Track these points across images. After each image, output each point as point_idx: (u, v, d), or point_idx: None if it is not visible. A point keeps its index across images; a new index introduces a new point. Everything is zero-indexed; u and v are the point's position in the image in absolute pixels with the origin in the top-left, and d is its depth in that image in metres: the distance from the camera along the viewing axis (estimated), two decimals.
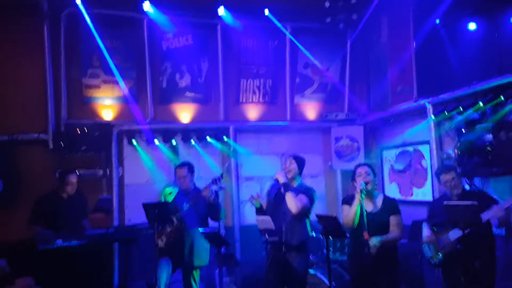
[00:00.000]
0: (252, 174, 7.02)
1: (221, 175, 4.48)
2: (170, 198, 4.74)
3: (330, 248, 5.33)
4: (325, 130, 7.27)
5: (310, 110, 7.36)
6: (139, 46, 6.41)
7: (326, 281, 4.84)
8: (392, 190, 6.21)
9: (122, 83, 6.23)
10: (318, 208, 6.47)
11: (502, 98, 4.37)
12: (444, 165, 4.42)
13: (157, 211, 4.33)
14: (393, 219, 3.77)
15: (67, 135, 6.03)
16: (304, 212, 4.02)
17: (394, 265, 3.81)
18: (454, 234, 3.69)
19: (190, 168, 4.74)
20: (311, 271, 4.89)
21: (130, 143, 6.38)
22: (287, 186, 4.02)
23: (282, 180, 4.06)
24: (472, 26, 5.05)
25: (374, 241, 3.62)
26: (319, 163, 7.33)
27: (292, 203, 3.93)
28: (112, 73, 6.19)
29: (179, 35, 6.51)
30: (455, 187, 3.85)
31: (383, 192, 6.24)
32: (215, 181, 4.44)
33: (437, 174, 4.05)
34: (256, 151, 7.02)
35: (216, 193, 4.63)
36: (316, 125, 7.31)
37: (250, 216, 4.35)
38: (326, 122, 7.19)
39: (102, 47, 6.05)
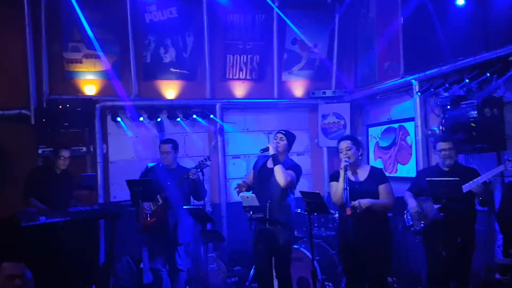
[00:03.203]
0: (239, 152, 7.00)
1: (208, 157, 4.46)
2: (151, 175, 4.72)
3: (315, 224, 5.42)
4: (313, 107, 7.23)
5: (298, 87, 7.30)
6: (122, 19, 6.23)
7: (310, 255, 4.91)
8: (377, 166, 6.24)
9: (103, 58, 6.08)
10: (304, 185, 6.56)
11: (488, 74, 4.35)
12: (443, 134, 4.45)
13: (141, 188, 4.31)
14: (381, 188, 3.75)
15: (49, 111, 5.90)
16: (290, 187, 4.03)
17: (385, 236, 3.77)
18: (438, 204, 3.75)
19: (175, 145, 4.77)
20: (296, 246, 4.95)
21: (114, 119, 6.26)
22: (276, 159, 4.02)
23: (272, 151, 4.05)
24: (460, 1, 4.99)
25: (362, 201, 3.60)
26: (306, 140, 7.32)
27: (281, 176, 3.95)
28: (94, 47, 6.02)
29: (163, 8, 6.33)
30: (449, 157, 3.91)
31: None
32: (201, 164, 4.41)
33: (434, 141, 4.08)
34: (243, 128, 6.98)
35: (202, 173, 4.64)
36: (303, 102, 7.26)
37: (236, 194, 4.35)
38: (313, 99, 7.14)
39: (83, 20, 5.87)
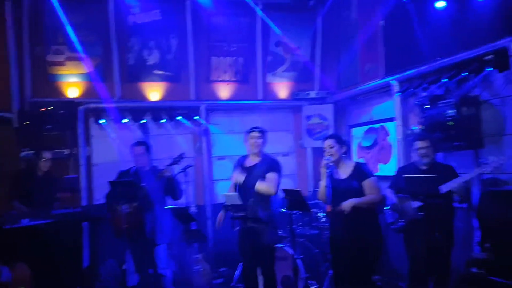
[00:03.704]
0: (224, 153, 7.01)
1: (182, 154, 4.44)
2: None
3: (299, 223, 5.47)
4: (297, 108, 7.30)
5: (282, 88, 7.36)
6: (105, 21, 6.23)
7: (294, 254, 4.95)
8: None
9: (86, 60, 6.07)
10: (289, 186, 6.58)
11: (465, 74, 4.45)
12: (421, 132, 4.52)
13: (123, 189, 4.31)
14: (365, 184, 3.76)
15: (32, 114, 5.88)
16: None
17: (371, 232, 3.77)
18: (417, 202, 3.82)
19: (148, 147, 4.76)
20: (280, 245, 4.99)
21: (97, 122, 6.26)
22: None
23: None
24: (440, 4, 5.08)
25: (345, 204, 3.63)
26: (290, 141, 7.37)
27: (265, 189, 3.99)
28: (77, 49, 6.02)
29: (146, 10, 6.35)
30: (426, 155, 3.98)
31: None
32: (175, 160, 4.39)
33: (413, 140, 4.17)
34: (228, 130, 7.00)
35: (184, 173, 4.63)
36: (287, 104, 7.32)
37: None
38: (297, 101, 7.21)
39: (66, 22, 5.86)
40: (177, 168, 4.62)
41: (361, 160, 6.48)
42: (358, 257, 3.67)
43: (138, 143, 4.80)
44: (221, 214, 4.33)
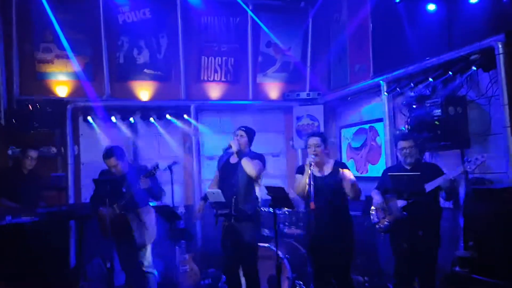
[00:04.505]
0: (213, 153, 6.96)
1: (156, 165, 4.23)
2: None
3: (286, 223, 5.44)
4: (287, 109, 7.30)
5: (273, 89, 7.36)
6: (94, 20, 6.22)
7: (280, 253, 4.92)
8: (349, 167, 6.28)
9: (74, 59, 6.06)
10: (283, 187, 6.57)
11: (451, 73, 4.46)
12: (403, 133, 4.52)
13: (108, 187, 4.24)
14: (345, 171, 3.91)
15: (20, 112, 5.84)
16: (260, 176, 4.05)
17: (347, 233, 3.90)
18: (402, 201, 3.81)
19: (118, 154, 4.42)
20: (267, 244, 4.96)
21: (86, 120, 6.22)
22: (241, 153, 4.05)
23: (235, 148, 4.08)
24: (431, 7, 5.09)
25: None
26: (281, 142, 7.36)
27: (251, 167, 3.98)
28: (66, 47, 6.00)
29: (136, 9, 6.35)
30: (409, 156, 3.97)
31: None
32: (151, 173, 4.20)
33: (396, 140, 4.19)
34: (217, 130, 6.97)
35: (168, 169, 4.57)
36: (278, 104, 7.32)
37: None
38: (288, 101, 7.21)
39: (54, 20, 5.84)
40: (162, 166, 4.56)
41: (351, 161, 6.48)
42: (338, 253, 3.75)
43: (107, 155, 4.37)
44: (201, 204, 4.37)
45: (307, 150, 3.97)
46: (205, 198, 4.29)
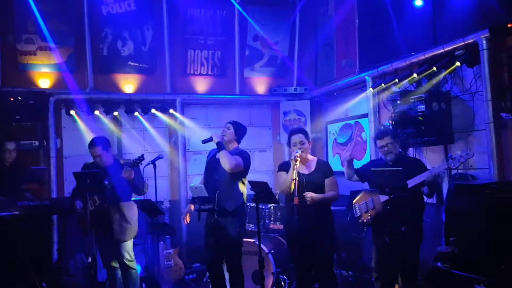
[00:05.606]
0: (200, 148, 6.90)
1: (142, 156, 4.26)
2: None
3: (271, 218, 5.43)
4: (274, 104, 7.26)
5: (260, 84, 7.32)
6: (78, 11, 6.10)
7: (265, 248, 4.92)
8: (335, 163, 6.29)
9: (57, 50, 5.95)
10: (270, 183, 6.55)
11: (435, 68, 4.46)
12: (379, 131, 4.50)
13: (89, 180, 4.17)
14: (327, 181, 3.90)
15: (1, 104, 5.73)
16: (238, 172, 4.01)
17: (329, 227, 3.91)
18: (384, 196, 3.80)
19: (104, 144, 4.44)
20: (251, 239, 4.95)
21: (69, 113, 6.11)
22: (220, 146, 4.00)
23: (216, 139, 4.04)
24: (418, 2, 5.08)
25: (314, 196, 3.74)
26: (268, 137, 7.33)
27: (226, 160, 3.93)
28: (48, 39, 5.89)
29: (120, 0, 6.23)
30: (389, 153, 3.96)
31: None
32: (135, 162, 4.22)
33: (374, 140, 4.17)
34: (204, 124, 6.92)
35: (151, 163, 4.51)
36: (265, 99, 7.28)
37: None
38: (275, 96, 7.17)
39: (36, 11, 5.71)
40: (145, 160, 4.49)
41: (337, 157, 6.48)
42: (319, 246, 3.76)
43: (92, 144, 4.40)
44: (188, 208, 4.34)
45: (291, 147, 3.94)
46: (193, 201, 4.21)
